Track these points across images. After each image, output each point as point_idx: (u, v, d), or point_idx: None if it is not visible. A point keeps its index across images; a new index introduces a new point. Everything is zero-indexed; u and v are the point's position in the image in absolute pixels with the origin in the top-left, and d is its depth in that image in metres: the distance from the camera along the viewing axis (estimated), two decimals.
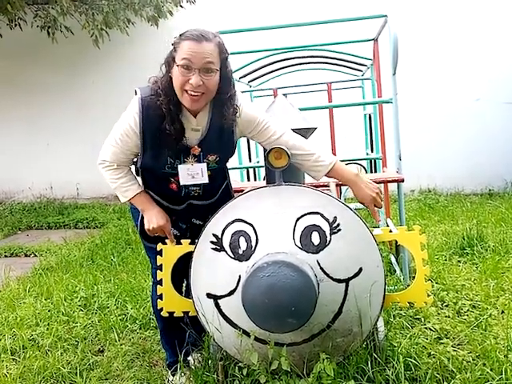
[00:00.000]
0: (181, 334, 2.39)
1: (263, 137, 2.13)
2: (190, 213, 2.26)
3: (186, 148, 2.07)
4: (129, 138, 2.05)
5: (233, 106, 2.04)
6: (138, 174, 2.25)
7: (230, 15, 7.04)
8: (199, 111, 2.05)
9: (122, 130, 2.05)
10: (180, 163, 2.08)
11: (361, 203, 2.17)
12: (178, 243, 2.18)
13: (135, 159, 2.17)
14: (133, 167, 2.24)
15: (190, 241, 2.17)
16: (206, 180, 2.11)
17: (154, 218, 2.13)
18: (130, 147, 2.08)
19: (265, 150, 2.19)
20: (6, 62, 8.05)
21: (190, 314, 2.20)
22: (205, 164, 2.10)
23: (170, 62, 1.97)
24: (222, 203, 2.14)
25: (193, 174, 2.08)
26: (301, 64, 5.36)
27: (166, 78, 1.98)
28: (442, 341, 2.59)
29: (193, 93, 1.91)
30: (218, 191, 2.31)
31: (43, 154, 8.18)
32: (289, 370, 2.00)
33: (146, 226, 2.15)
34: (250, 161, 5.86)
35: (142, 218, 2.21)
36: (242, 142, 5.24)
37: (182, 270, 2.20)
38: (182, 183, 2.11)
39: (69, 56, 7.79)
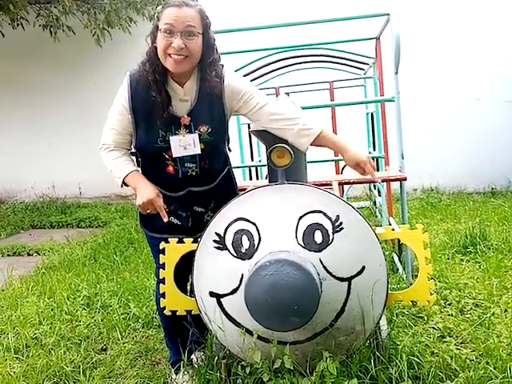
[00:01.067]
0: (184, 333, 2.39)
1: (248, 107, 2.14)
2: (191, 200, 2.23)
3: (175, 119, 2.10)
4: (122, 116, 2.12)
5: (215, 71, 2.08)
6: (138, 166, 2.26)
7: (232, 14, 7.04)
8: (186, 81, 2.10)
9: (116, 111, 2.14)
10: (172, 135, 2.10)
11: (355, 166, 2.14)
12: (180, 241, 2.18)
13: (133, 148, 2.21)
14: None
15: (192, 239, 2.17)
16: (198, 151, 2.11)
17: (144, 193, 2.09)
18: (124, 126, 2.13)
19: (267, 148, 2.19)
20: (8, 61, 8.04)
21: (192, 313, 2.20)
22: (196, 135, 2.10)
23: (154, 32, 2.04)
24: (224, 190, 2.19)
25: (185, 145, 2.09)
26: (303, 63, 5.35)
27: (152, 48, 2.06)
28: (445, 339, 2.59)
29: (175, 56, 1.97)
30: (218, 176, 2.28)
31: (45, 153, 8.17)
32: (292, 368, 2.00)
33: (137, 202, 2.11)
34: (252, 160, 5.86)
35: None
36: (245, 140, 5.23)
37: (186, 268, 2.20)
38: (174, 155, 2.10)
39: (71, 55, 7.78)
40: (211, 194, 2.24)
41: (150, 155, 2.18)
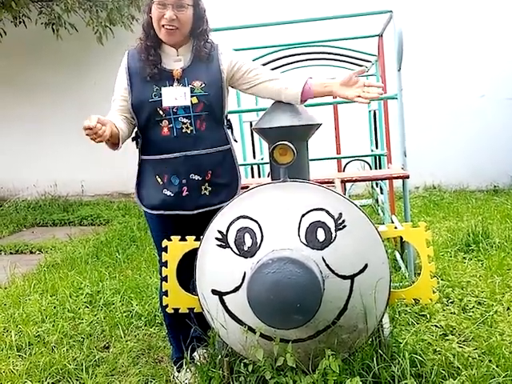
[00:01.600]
0: (187, 330, 2.40)
1: (241, 72, 2.27)
2: (187, 166, 2.21)
3: (168, 73, 2.20)
4: (123, 83, 2.24)
5: (205, 41, 2.25)
6: (137, 145, 2.33)
7: (234, 11, 7.02)
8: (181, 46, 2.24)
9: (118, 81, 2.28)
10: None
11: (349, 85, 2.20)
12: (183, 239, 2.17)
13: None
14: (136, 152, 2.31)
15: (194, 237, 2.16)
16: (188, 102, 2.16)
17: None
18: (124, 93, 2.24)
19: (269, 146, 2.18)
20: (10, 59, 8.05)
21: (195, 311, 2.20)
22: (188, 88, 2.18)
23: (149, 5, 2.18)
24: (223, 164, 2.27)
25: (176, 96, 2.17)
26: (305, 60, 5.34)
27: (147, 19, 2.21)
28: (447, 337, 2.59)
29: (168, 26, 2.13)
30: (216, 146, 2.27)
31: (47, 152, 8.18)
32: (294, 366, 2.00)
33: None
34: (255, 157, 5.86)
35: (138, 184, 2.32)
36: (247, 138, 5.22)
37: (188, 266, 2.19)
38: (164, 104, 2.16)
39: (73, 53, 7.78)
40: (208, 160, 2.23)
41: (145, 116, 2.20)
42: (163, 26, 2.13)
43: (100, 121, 1.98)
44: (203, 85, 2.19)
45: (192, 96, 2.17)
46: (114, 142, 2.16)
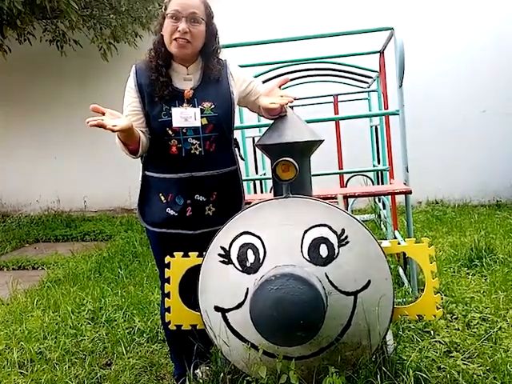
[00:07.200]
0: (189, 347, 2.38)
1: (256, 94, 2.33)
2: (193, 187, 2.20)
3: (179, 93, 2.18)
4: (132, 99, 2.21)
5: (218, 58, 2.28)
6: (141, 159, 2.30)
7: (237, 28, 7.07)
8: (191, 63, 2.23)
9: (127, 96, 2.23)
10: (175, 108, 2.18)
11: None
12: (185, 255, 2.17)
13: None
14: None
15: (197, 253, 2.16)
16: (198, 124, 2.15)
17: None
18: (134, 107, 2.20)
19: (272, 162, 2.19)
20: (15, 76, 8.13)
21: (197, 328, 2.19)
22: (198, 109, 2.17)
23: (161, 21, 2.19)
24: (228, 186, 2.26)
25: (186, 117, 2.15)
26: (307, 76, 5.38)
27: (159, 36, 2.21)
28: (451, 354, 2.57)
29: (180, 40, 2.12)
30: (224, 168, 2.27)
31: (50, 167, 8.22)
32: (297, 383, 1.98)
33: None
34: (257, 173, 5.87)
35: (141, 200, 2.30)
36: (249, 153, 5.24)
37: (191, 282, 2.19)
38: (174, 125, 2.14)
39: (77, 69, 7.85)
40: (214, 181, 2.23)
41: (154, 135, 2.20)
42: (175, 39, 2.12)
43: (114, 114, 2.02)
44: (213, 106, 2.18)
45: (202, 117, 2.16)
46: (133, 147, 2.14)
